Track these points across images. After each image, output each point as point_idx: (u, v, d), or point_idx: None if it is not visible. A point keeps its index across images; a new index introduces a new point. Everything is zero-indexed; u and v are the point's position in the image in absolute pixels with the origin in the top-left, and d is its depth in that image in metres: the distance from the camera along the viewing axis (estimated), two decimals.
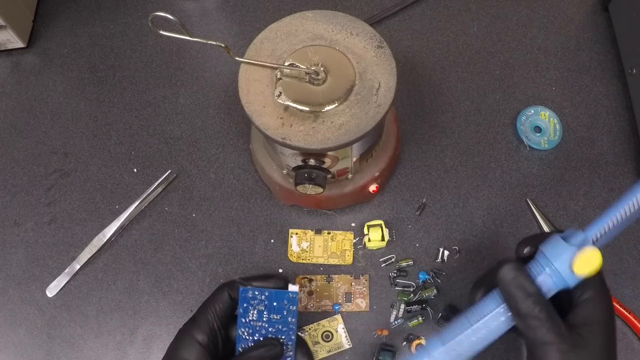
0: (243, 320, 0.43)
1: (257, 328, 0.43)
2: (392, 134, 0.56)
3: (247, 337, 0.43)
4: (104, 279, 0.57)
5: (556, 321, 0.35)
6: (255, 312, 0.43)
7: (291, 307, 0.43)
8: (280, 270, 0.56)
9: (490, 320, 0.37)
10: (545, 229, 0.56)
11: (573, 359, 0.34)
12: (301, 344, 0.45)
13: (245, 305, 0.43)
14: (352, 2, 0.69)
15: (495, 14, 0.67)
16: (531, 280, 0.35)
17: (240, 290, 0.43)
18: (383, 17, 0.66)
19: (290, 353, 0.43)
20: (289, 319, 0.43)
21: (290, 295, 0.43)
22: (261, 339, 0.43)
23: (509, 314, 0.36)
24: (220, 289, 0.44)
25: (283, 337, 0.43)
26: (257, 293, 0.43)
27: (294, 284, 0.44)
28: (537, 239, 0.38)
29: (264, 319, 0.43)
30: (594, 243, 0.34)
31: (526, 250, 0.39)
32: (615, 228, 0.34)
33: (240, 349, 0.43)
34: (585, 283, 0.36)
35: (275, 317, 0.43)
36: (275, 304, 0.43)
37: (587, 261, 0.33)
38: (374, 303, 0.54)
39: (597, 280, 0.37)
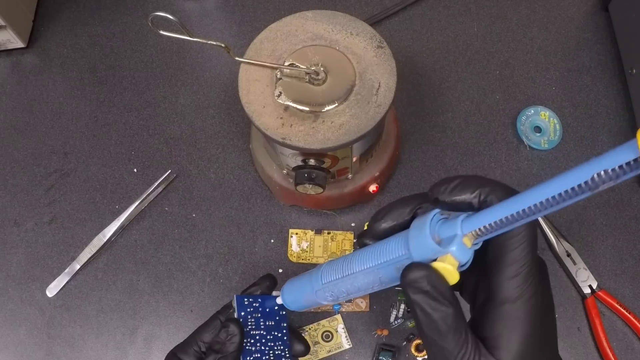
0: (246, 329, 0.42)
1: (257, 337, 0.42)
2: (392, 134, 0.56)
3: (250, 348, 0.41)
4: (104, 279, 0.57)
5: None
6: (254, 320, 0.42)
7: (281, 312, 0.43)
8: (280, 271, 0.56)
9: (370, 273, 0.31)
10: (546, 229, 0.56)
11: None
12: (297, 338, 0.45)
13: (242, 313, 0.42)
14: (352, 2, 0.68)
15: (495, 14, 0.67)
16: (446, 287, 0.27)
17: (235, 296, 0.42)
18: (383, 17, 0.66)
19: (288, 357, 0.43)
20: (282, 323, 0.43)
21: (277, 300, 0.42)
22: (262, 348, 0.42)
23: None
24: (212, 316, 0.43)
25: (280, 343, 0.42)
26: (251, 300, 0.42)
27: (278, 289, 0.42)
28: (397, 210, 0.31)
29: (262, 326, 0.42)
30: (475, 237, 0.26)
31: (383, 226, 0.31)
32: (506, 227, 0.25)
33: None
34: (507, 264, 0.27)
35: (270, 323, 0.42)
36: (267, 309, 0.43)
37: (443, 272, 0.27)
38: (374, 303, 0.54)
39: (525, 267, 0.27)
